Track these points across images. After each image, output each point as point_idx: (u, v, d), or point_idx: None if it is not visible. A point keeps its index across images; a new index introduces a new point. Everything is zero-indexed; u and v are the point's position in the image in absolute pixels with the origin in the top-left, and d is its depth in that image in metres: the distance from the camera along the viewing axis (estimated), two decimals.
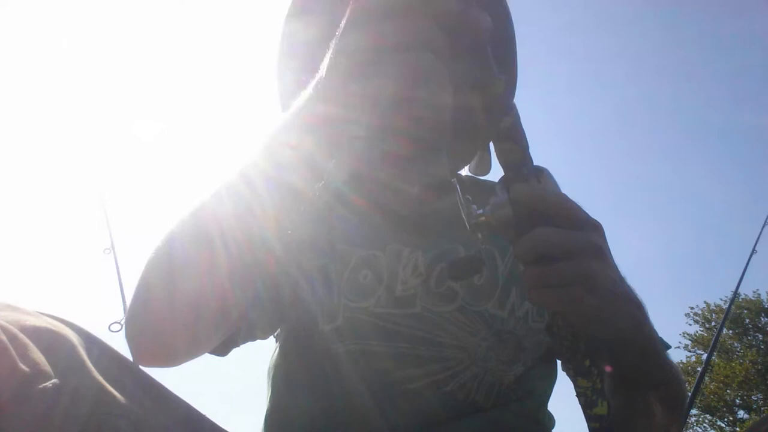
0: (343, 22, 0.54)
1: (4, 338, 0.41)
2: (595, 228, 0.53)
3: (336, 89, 0.56)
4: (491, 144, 0.59)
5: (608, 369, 0.58)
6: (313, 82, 0.56)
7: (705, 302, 15.53)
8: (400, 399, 0.77)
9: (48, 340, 0.44)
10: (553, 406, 0.88)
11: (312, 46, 0.82)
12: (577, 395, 0.61)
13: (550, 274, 0.49)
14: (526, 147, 0.54)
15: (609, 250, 0.54)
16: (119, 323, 2.06)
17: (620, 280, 0.55)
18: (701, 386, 2.43)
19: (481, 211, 0.55)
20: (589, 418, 0.61)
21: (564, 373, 0.87)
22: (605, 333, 0.53)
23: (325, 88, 0.54)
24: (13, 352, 0.40)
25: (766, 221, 2.24)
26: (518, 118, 0.54)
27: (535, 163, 0.57)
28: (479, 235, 0.55)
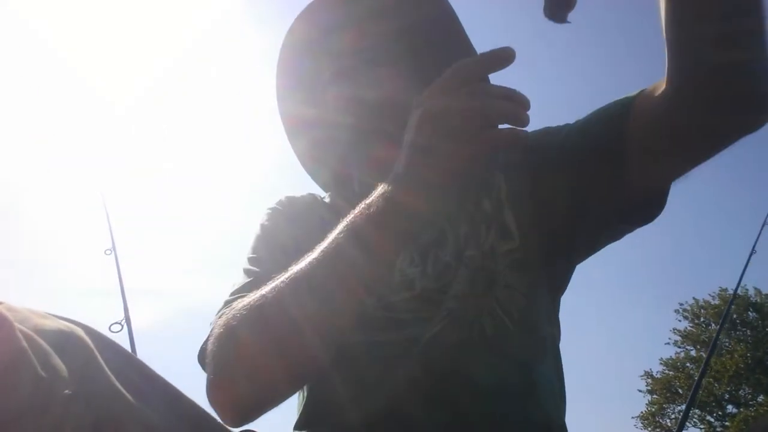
0: None
1: (25, 345, 0.40)
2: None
3: None
4: None
5: None
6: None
7: (694, 298, 15.71)
8: (387, 385, 0.76)
9: (64, 343, 0.44)
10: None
11: (309, 79, 0.96)
12: None
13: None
14: None
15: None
16: (120, 323, 2.07)
17: None
18: (694, 382, 2.45)
19: None
20: None
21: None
22: None
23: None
24: (34, 359, 0.40)
25: (765, 221, 2.26)
26: None
27: None
28: None
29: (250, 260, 0.88)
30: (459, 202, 0.87)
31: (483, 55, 0.64)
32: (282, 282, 0.67)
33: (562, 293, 0.93)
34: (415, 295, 0.80)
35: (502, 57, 0.63)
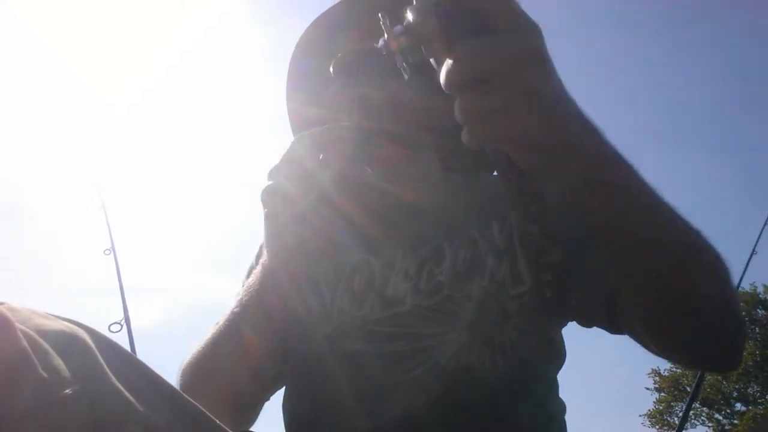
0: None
1: (26, 345, 0.40)
2: (533, 29, 0.46)
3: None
4: None
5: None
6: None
7: None
8: (398, 393, 0.77)
9: (66, 344, 0.44)
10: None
11: (316, 80, 0.97)
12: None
13: (492, 98, 0.44)
14: None
15: (548, 54, 0.47)
16: (119, 323, 2.09)
17: (561, 90, 0.48)
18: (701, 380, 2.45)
19: (399, 27, 0.48)
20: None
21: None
22: (553, 156, 0.48)
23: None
24: (35, 360, 0.40)
25: (766, 222, 2.25)
26: None
27: None
28: (404, 62, 0.48)
29: (243, 282, 0.93)
30: (460, 223, 0.87)
31: None
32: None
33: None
34: (405, 310, 0.81)
35: None
